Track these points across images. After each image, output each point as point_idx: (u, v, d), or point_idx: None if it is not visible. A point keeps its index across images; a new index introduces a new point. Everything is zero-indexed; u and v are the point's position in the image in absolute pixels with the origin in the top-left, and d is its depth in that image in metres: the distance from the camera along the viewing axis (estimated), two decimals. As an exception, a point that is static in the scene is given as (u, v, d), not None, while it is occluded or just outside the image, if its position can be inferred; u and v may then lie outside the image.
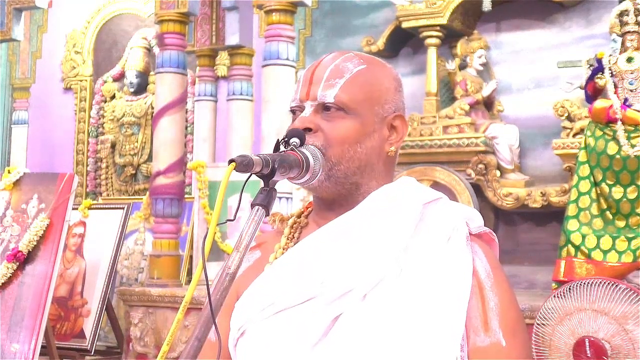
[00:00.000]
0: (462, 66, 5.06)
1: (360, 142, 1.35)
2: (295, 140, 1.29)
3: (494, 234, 1.43)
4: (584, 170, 3.88)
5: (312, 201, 1.48)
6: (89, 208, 4.86)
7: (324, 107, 1.35)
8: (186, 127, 5.82)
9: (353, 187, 1.36)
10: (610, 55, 3.95)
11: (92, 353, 4.47)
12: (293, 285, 1.32)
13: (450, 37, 5.09)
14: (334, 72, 1.37)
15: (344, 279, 1.30)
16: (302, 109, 1.37)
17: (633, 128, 3.76)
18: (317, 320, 1.29)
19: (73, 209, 4.30)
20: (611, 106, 3.81)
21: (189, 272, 4.95)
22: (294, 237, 1.43)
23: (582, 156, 3.91)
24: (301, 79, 1.40)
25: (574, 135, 4.50)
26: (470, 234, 1.37)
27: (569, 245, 3.84)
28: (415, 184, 1.41)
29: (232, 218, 1.23)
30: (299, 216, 1.46)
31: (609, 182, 3.81)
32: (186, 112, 5.62)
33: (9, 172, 4.40)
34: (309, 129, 1.33)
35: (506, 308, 1.32)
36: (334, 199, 1.37)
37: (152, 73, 6.18)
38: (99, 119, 6.68)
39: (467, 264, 1.32)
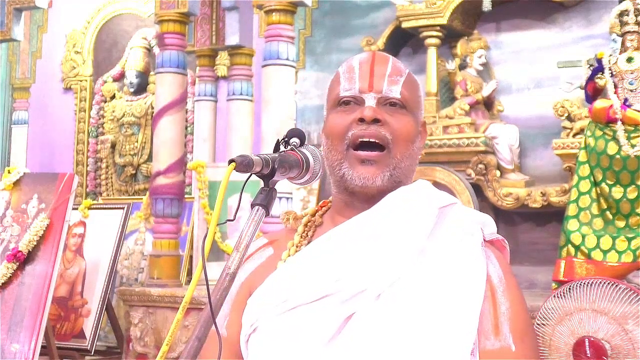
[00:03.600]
0: (462, 66, 5.06)
1: (414, 141, 1.38)
2: (295, 140, 1.28)
3: (506, 241, 1.44)
4: (584, 170, 3.88)
5: (326, 200, 1.47)
6: (89, 208, 4.86)
7: (386, 102, 1.36)
8: (186, 127, 5.82)
9: (397, 186, 1.38)
10: (610, 55, 3.94)
11: (92, 353, 4.47)
12: (307, 283, 1.32)
13: (450, 37, 5.09)
14: (394, 69, 1.39)
15: (358, 278, 1.30)
16: (359, 100, 1.37)
17: (633, 128, 3.76)
18: (330, 318, 1.29)
19: (73, 209, 4.29)
20: (611, 106, 3.80)
21: (189, 272, 4.94)
22: (307, 236, 1.43)
23: (582, 156, 3.90)
24: (355, 70, 1.39)
25: (574, 135, 4.50)
26: (484, 240, 1.37)
27: (569, 245, 3.83)
28: (431, 187, 1.42)
29: (232, 218, 1.24)
30: (313, 215, 1.46)
31: (609, 182, 3.80)
32: (186, 112, 5.62)
33: (9, 172, 4.39)
34: (377, 120, 1.34)
35: (516, 313, 1.33)
36: (371, 198, 1.36)
37: (152, 73, 6.17)
38: (99, 119, 6.67)
39: (482, 269, 1.33)
